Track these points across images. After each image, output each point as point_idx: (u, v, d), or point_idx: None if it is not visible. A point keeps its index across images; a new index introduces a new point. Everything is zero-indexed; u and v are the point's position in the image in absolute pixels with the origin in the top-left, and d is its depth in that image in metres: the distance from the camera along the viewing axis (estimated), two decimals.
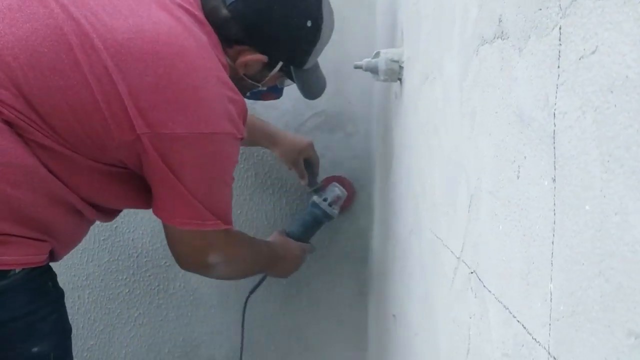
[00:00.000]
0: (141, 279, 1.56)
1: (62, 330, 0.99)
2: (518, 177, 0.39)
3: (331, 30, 1.10)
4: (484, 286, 0.46)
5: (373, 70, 0.97)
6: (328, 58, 1.52)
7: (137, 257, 1.53)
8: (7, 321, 0.88)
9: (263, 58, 1.03)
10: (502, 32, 0.42)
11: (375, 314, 1.35)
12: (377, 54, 0.97)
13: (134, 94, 0.86)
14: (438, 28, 0.66)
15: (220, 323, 1.57)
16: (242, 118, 0.97)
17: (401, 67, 0.94)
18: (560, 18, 0.32)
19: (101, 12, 0.88)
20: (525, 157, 0.37)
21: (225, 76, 0.94)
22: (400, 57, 0.94)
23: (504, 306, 0.41)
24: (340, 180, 1.46)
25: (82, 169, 0.93)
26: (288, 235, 1.33)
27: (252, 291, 1.39)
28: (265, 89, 1.13)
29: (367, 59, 0.97)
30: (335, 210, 1.36)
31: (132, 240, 1.52)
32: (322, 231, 1.45)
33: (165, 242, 1.06)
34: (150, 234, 1.53)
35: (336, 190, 1.38)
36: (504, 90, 0.41)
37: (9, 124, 0.85)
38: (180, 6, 0.95)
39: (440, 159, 0.63)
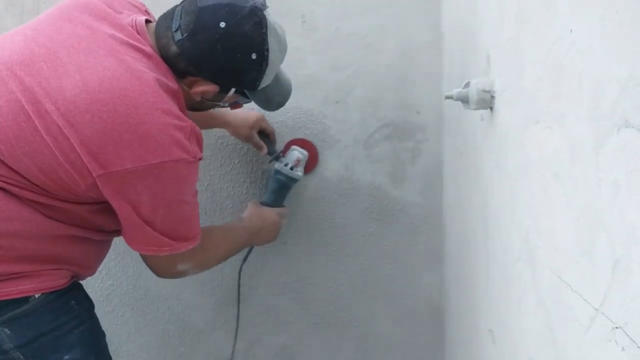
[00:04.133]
0: (225, 286, 1.64)
1: (93, 339, 1.16)
2: None
3: (282, 53, 1.18)
4: (639, 347, 0.51)
5: (464, 99, 1.01)
6: (393, 68, 1.57)
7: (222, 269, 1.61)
8: (36, 337, 1.05)
9: (215, 88, 1.14)
10: None
11: (458, 325, 1.40)
12: (468, 84, 1.01)
13: (85, 142, 0.99)
14: (554, 83, 0.70)
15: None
16: (193, 141, 1.07)
17: (492, 97, 0.98)
18: None
19: (52, 75, 1.02)
20: None
21: (169, 107, 1.05)
22: (491, 87, 0.98)
23: None
24: (301, 143, 1.54)
25: (71, 212, 1.08)
26: (262, 204, 1.47)
27: (244, 260, 1.54)
28: (227, 105, 1.25)
29: (457, 90, 1.02)
30: (299, 172, 1.48)
31: None
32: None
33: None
34: None
35: (295, 153, 1.48)
36: None
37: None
38: (128, 44, 1.07)
39: (564, 208, 0.67)
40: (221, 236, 1.29)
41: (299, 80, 1.53)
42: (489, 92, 0.97)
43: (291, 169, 1.46)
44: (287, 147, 1.53)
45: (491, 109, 0.99)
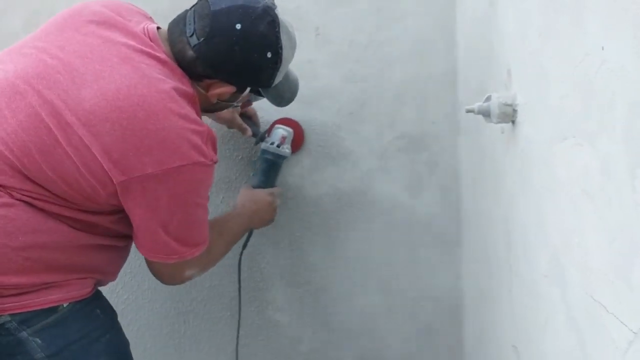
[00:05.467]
0: (243, 304, 1.63)
1: (118, 347, 1.19)
2: None
3: (293, 49, 1.19)
4: None
5: (485, 113, 1.00)
6: (407, 80, 1.56)
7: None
8: (66, 346, 1.07)
9: (232, 89, 1.16)
10: None
11: (478, 338, 1.39)
12: (489, 98, 1.00)
13: (107, 150, 1.01)
14: (584, 100, 0.69)
15: None
16: (210, 144, 1.10)
17: (515, 111, 0.97)
18: None
19: (70, 86, 1.03)
20: None
21: (186, 112, 1.06)
22: (513, 101, 0.97)
23: None
24: (286, 122, 1.52)
25: (94, 223, 1.09)
26: (254, 187, 1.45)
27: (243, 247, 1.50)
28: (239, 104, 1.29)
29: (478, 103, 1.01)
30: (286, 149, 1.46)
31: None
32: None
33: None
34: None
35: (280, 131, 1.47)
36: None
37: (25, 202, 1.02)
38: (142, 51, 1.08)
39: (597, 229, 0.66)
40: (219, 232, 1.28)
41: (312, 92, 1.52)
42: (510, 105, 0.97)
43: (277, 146, 1.45)
44: (271, 127, 1.51)
45: (513, 122, 0.98)
